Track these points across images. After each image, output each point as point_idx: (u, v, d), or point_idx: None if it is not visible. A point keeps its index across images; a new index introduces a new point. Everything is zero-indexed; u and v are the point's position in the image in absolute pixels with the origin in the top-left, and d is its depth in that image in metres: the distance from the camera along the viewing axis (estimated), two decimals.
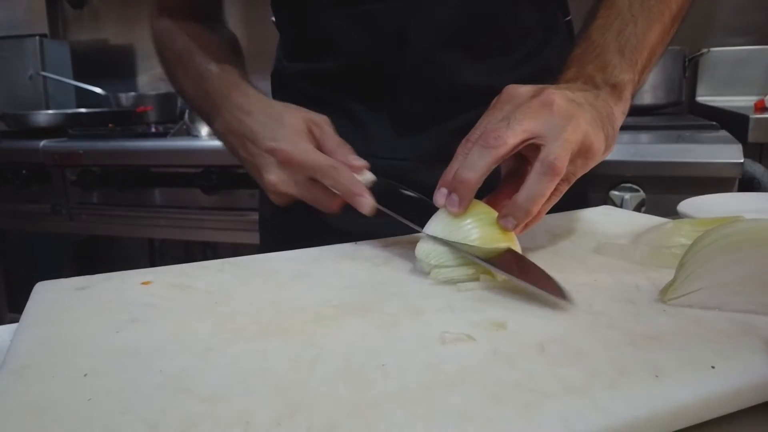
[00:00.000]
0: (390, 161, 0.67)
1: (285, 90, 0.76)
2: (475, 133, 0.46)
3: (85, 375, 0.30)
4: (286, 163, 0.54)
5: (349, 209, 0.53)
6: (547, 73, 0.56)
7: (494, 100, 0.48)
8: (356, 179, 0.52)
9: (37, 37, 2.21)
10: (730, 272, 0.36)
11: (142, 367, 0.31)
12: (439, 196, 0.46)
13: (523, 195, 0.43)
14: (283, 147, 0.54)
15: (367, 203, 0.51)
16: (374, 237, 0.56)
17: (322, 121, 0.58)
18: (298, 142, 0.55)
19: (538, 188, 0.43)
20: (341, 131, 0.58)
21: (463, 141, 0.46)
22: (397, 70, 0.65)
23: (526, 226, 0.46)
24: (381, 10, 0.63)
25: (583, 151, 0.45)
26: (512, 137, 0.43)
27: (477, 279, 0.42)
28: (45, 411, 0.27)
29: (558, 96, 0.44)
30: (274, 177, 0.55)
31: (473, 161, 0.44)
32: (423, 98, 0.67)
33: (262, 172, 0.56)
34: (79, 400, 0.28)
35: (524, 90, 0.47)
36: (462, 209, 0.45)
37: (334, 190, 0.53)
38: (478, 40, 0.65)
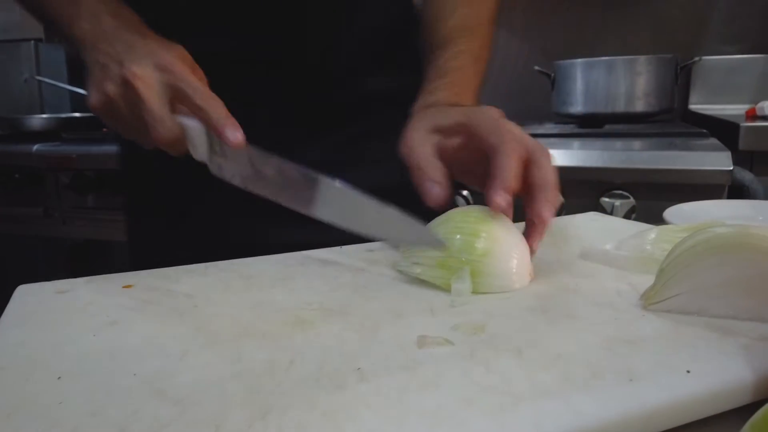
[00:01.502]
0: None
1: None
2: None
3: (58, 378, 0.30)
4: (166, 66, 0.47)
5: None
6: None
7: (507, 137, 0.47)
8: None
9: (33, 42, 2.21)
10: (708, 277, 0.36)
11: (117, 370, 0.31)
12: (502, 200, 0.44)
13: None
14: (171, 54, 0.49)
15: (238, 136, 0.45)
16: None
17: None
18: (182, 62, 0.49)
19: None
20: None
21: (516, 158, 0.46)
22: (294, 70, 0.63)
23: (540, 234, 0.46)
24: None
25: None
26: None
27: (448, 285, 0.42)
28: (15, 413, 0.27)
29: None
30: (140, 70, 0.46)
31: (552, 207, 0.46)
32: (319, 102, 0.65)
33: (126, 62, 0.47)
34: (51, 402, 0.28)
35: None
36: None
37: (201, 116, 0.47)
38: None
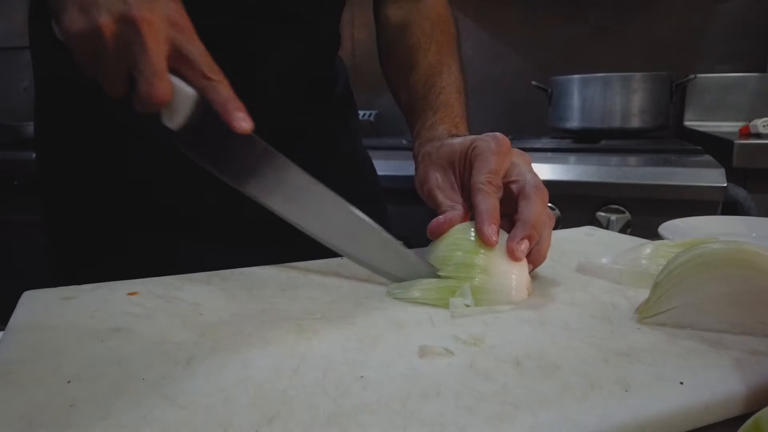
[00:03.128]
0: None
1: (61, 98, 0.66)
2: (495, 178, 0.48)
3: (68, 382, 0.31)
4: (178, 22, 0.44)
5: None
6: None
7: (495, 148, 0.49)
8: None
9: None
10: (701, 292, 0.37)
11: (125, 375, 0.32)
12: (493, 234, 0.45)
13: (527, 213, 0.46)
14: (182, 11, 0.45)
15: (248, 122, 0.44)
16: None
17: None
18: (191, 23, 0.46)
19: (537, 205, 0.46)
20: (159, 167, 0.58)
21: (486, 183, 0.47)
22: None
23: (540, 256, 0.47)
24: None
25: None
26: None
27: (446, 303, 0.43)
28: (29, 416, 0.28)
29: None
30: (151, 16, 0.42)
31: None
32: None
33: (133, 1, 0.42)
34: (62, 405, 0.28)
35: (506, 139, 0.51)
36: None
37: (204, 88, 0.44)
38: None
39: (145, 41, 0.41)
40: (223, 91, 0.44)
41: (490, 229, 0.45)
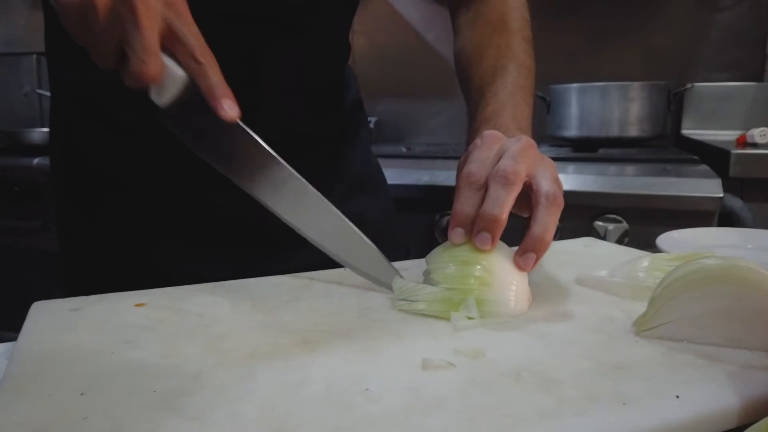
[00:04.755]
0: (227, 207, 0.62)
1: (75, 108, 0.67)
2: (476, 170, 0.47)
3: (81, 394, 0.32)
4: (174, 2, 0.43)
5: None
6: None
7: (477, 142, 0.50)
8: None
9: (34, 55, 2.23)
10: (697, 307, 0.38)
11: (136, 387, 0.32)
12: (457, 236, 0.46)
13: (539, 228, 0.46)
14: None
15: (235, 110, 0.44)
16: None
17: None
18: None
19: (550, 219, 0.46)
20: (168, 167, 0.58)
21: (464, 177, 0.47)
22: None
23: (536, 261, 0.47)
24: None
25: (559, 186, 0.49)
26: (524, 172, 0.46)
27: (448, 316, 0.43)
28: (43, 428, 0.28)
29: (531, 141, 0.49)
30: None
31: (499, 198, 0.45)
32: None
33: None
34: (76, 418, 0.29)
35: (503, 133, 0.51)
36: (494, 246, 0.46)
37: (194, 71, 0.44)
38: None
39: (138, 18, 0.40)
40: (213, 76, 0.43)
41: (454, 233, 0.46)
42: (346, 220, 0.48)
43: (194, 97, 0.44)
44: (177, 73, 0.44)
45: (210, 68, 0.43)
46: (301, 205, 0.48)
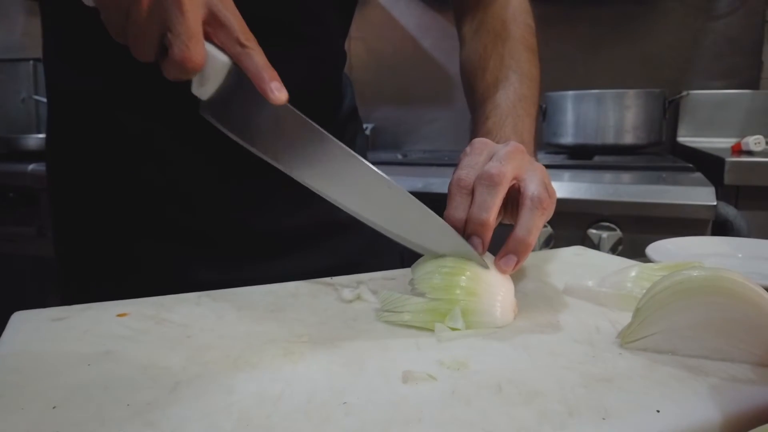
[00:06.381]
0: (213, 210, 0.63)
1: (69, 110, 0.66)
2: (465, 175, 0.47)
3: (53, 407, 0.31)
4: None
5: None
6: None
7: (467, 149, 0.50)
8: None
9: (31, 61, 2.23)
10: (682, 318, 0.37)
11: (111, 400, 0.32)
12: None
13: (521, 230, 0.46)
14: None
15: (284, 93, 0.43)
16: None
17: None
18: None
19: (533, 221, 0.46)
20: (166, 170, 0.57)
21: (454, 183, 0.48)
22: None
23: (518, 264, 0.47)
24: None
25: (550, 191, 0.49)
26: (509, 173, 0.46)
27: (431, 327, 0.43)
28: None
29: (520, 145, 0.49)
30: None
31: (485, 201, 0.45)
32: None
33: None
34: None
35: (493, 140, 0.51)
36: (485, 250, 0.46)
37: (239, 56, 0.43)
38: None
39: (182, 3, 0.40)
40: (259, 58, 0.43)
41: None
42: (409, 195, 0.46)
43: (238, 83, 0.43)
44: (220, 59, 0.43)
45: (255, 51, 0.43)
46: (359, 187, 0.45)
